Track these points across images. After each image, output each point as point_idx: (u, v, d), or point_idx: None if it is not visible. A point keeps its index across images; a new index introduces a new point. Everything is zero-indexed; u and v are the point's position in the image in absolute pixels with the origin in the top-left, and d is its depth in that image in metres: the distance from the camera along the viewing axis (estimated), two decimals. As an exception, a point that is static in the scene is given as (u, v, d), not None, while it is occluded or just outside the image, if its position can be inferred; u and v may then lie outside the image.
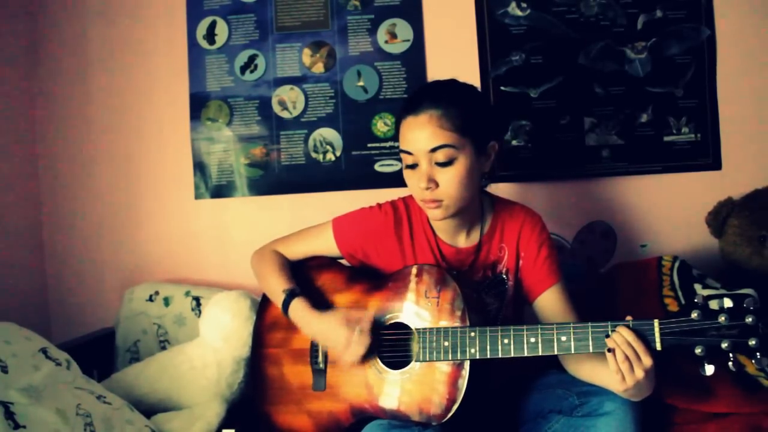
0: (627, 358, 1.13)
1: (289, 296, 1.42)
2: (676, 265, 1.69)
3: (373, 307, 1.40)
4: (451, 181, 1.31)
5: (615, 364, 1.14)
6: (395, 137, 1.98)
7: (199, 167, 2.07)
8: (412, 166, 1.34)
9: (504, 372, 1.44)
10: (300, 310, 1.40)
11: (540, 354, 1.22)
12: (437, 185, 1.32)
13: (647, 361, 1.13)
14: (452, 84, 1.39)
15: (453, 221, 1.41)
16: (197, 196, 2.08)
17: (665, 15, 1.96)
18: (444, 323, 1.31)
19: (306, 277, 1.51)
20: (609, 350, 1.15)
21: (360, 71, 2.03)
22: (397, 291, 1.38)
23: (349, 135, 2.04)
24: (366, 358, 1.35)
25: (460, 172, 1.31)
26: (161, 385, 1.63)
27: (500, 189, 1.85)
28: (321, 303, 1.45)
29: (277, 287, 1.45)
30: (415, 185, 1.35)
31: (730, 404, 1.38)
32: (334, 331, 1.35)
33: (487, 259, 1.45)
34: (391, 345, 1.37)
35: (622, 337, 1.15)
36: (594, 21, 1.97)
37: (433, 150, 1.30)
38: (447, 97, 1.33)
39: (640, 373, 1.13)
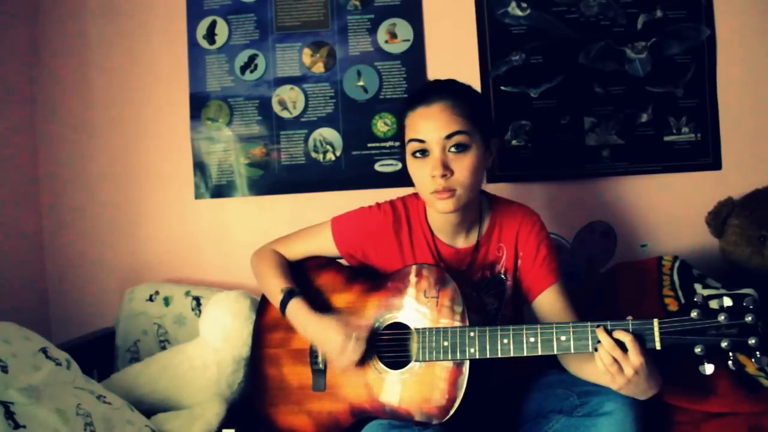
0: (615, 360, 1.14)
1: (288, 296, 1.42)
2: (676, 265, 1.69)
3: (372, 307, 1.40)
4: (465, 168, 1.31)
5: (602, 365, 1.15)
6: (395, 137, 2.01)
7: (199, 167, 2.07)
8: (423, 155, 1.34)
9: (504, 372, 1.44)
10: (297, 311, 1.40)
11: (539, 354, 1.22)
12: (452, 173, 1.31)
13: (636, 359, 1.13)
14: (456, 81, 1.41)
15: (452, 220, 1.41)
16: (197, 196, 2.08)
17: (665, 15, 1.96)
18: (443, 323, 1.31)
19: (305, 277, 1.51)
20: (595, 350, 1.17)
21: (360, 71, 2.03)
22: (396, 291, 1.38)
23: (349, 135, 2.04)
24: (362, 362, 1.35)
25: (473, 160, 1.32)
26: (161, 385, 1.63)
27: (500, 189, 1.86)
28: (320, 303, 1.45)
29: (275, 287, 1.45)
30: (426, 175, 1.33)
31: (730, 404, 1.38)
32: (329, 335, 1.34)
33: (485, 259, 1.45)
34: (390, 345, 1.37)
35: (606, 340, 1.15)
36: (594, 21, 1.97)
37: (449, 136, 1.31)
38: (456, 90, 1.36)
39: (629, 372, 1.13)
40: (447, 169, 1.31)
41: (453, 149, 1.31)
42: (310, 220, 1.57)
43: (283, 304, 1.42)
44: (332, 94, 2.04)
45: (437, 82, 1.41)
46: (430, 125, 1.32)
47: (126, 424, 1.37)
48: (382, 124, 2.03)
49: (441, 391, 1.28)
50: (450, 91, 1.35)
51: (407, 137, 1.36)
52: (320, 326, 1.37)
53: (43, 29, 2.10)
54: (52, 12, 2.09)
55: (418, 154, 1.34)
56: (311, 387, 1.42)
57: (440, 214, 1.40)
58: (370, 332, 1.36)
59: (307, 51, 2.05)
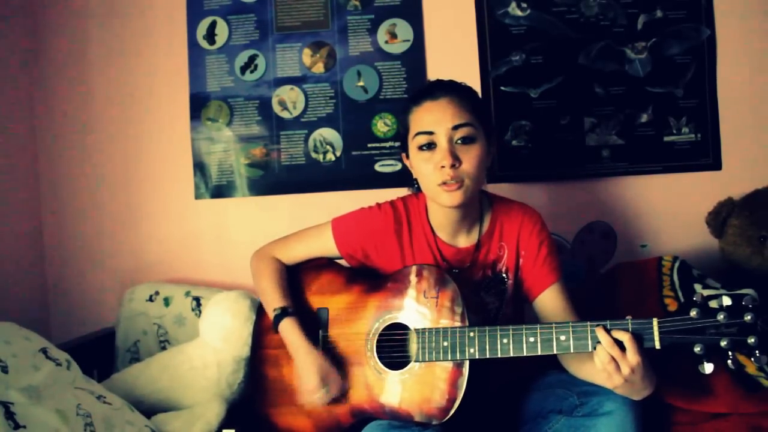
0: (612, 358, 1.14)
1: (281, 315, 1.43)
2: (676, 265, 1.69)
3: (372, 308, 1.40)
4: (473, 159, 1.33)
5: (600, 363, 1.16)
6: (395, 137, 2.01)
7: (199, 167, 2.07)
8: (429, 148, 1.35)
9: (504, 372, 1.44)
10: (288, 332, 1.42)
11: (539, 353, 1.22)
12: (460, 163, 1.32)
13: (633, 358, 1.14)
14: (456, 81, 1.43)
15: (454, 218, 1.41)
16: (197, 196, 2.08)
17: (665, 15, 1.96)
18: (444, 323, 1.31)
19: (305, 278, 1.51)
20: (594, 349, 1.17)
21: (360, 71, 2.03)
22: (396, 291, 1.38)
23: (349, 135, 2.04)
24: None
25: (480, 153, 1.34)
26: (161, 385, 1.63)
27: (500, 189, 1.86)
28: (319, 304, 1.45)
29: (270, 302, 1.47)
30: (434, 167, 1.34)
31: (730, 404, 1.38)
32: (307, 374, 1.37)
33: (486, 258, 1.45)
34: (390, 346, 1.37)
35: (605, 339, 1.16)
36: (594, 21, 1.97)
37: (456, 127, 1.33)
38: (460, 87, 1.40)
39: (626, 370, 1.14)
40: (456, 159, 1.32)
41: (460, 141, 1.33)
42: (310, 221, 1.57)
43: (276, 321, 1.44)
44: (332, 94, 2.04)
45: (440, 80, 1.43)
46: (437, 117, 1.34)
47: (126, 424, 1.37)
48: (382, 125, 2.03)
49: (441, 392, 1.28)
50: (455, 88, 1.39)
51: (413, 131, 1.37)
52: (303, 359, 1.38)
53: (44, 29, 2.10)
54: (52, 12, 2.09)
55: (424, 147, 1.35)
56: (311, 387, 1.43)
57: (442, 212, 1.40)
58: (340, 392, 1.38)
59: (307, 51, 2.05)
